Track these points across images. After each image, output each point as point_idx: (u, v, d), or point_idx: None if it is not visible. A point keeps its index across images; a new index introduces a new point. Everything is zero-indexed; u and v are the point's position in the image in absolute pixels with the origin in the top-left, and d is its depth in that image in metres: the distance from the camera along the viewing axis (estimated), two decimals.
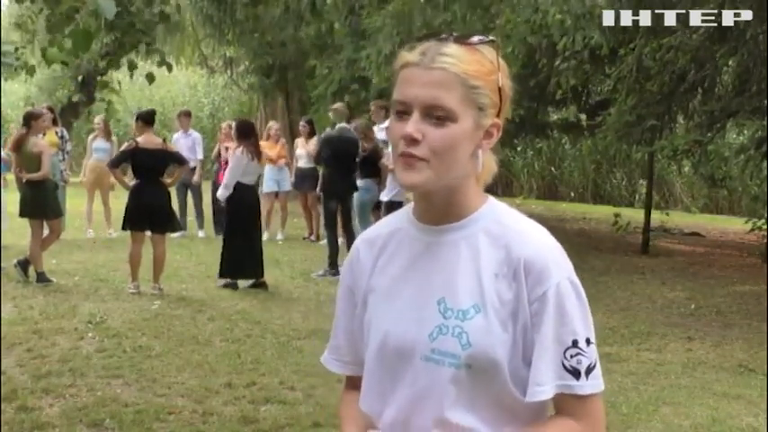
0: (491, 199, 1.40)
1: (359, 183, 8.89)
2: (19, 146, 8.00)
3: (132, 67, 6.08)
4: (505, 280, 1.32)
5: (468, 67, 1.28)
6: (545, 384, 1.30)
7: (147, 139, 7.73)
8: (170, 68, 6.79)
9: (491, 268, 1.33)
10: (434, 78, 1.27)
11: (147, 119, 7.91)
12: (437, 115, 1.28)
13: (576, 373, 1.31)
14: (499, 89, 1.33)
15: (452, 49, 1.29)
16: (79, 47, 4.31)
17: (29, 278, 7.88)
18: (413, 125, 1.28)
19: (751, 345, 6.30)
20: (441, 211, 1.36)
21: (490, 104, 1.32)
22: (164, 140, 8.16)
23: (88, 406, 4.61)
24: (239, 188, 7.83)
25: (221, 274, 7.95)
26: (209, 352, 5.79)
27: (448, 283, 1.34)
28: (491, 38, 1.34)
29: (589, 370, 1.32)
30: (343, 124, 8.94)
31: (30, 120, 8.04)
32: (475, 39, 1.33)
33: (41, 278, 7.86)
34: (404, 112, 1.30)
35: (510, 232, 1.35)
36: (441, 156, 1.28)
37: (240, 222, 7.87)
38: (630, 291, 8.38)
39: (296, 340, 6.15)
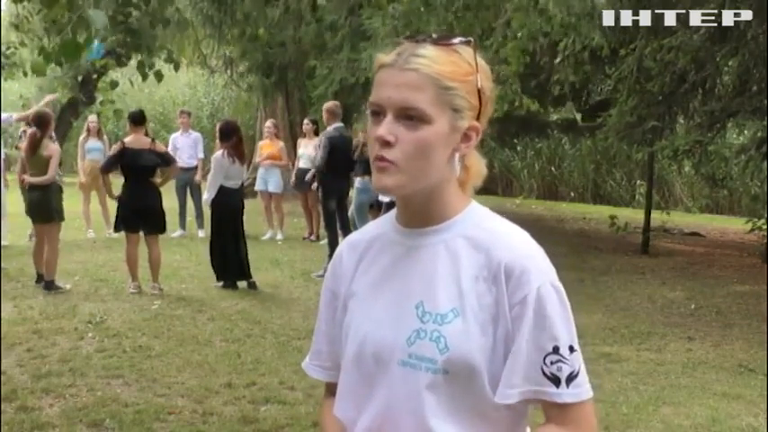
0: (473, 203, 1.38)
1: (357, 182, 8.88)
2: (35, 149, 7.71)
3: (142, 66, 5.98)
4: (485, 283, 1.29)
5: (442, 68, 1.26)
6: (514, 388, 1.27)
7: (135, 139, 7.71)
8: (177, 67, 6.67)
9: (471, 272, 1.30)
10: (407, 80, 1.25)
11: (135, 119, 7.85)
12: (410, 117, 1.25)
13: (555, 381, 1.27)
14: (478, 91, 1.30)
15: (427, 50, 1.27)
16: (69, 57, 4.28)
17: (62, 288, 7.67)
18: (385, 127, 1.26)
19: (751, 345, 6.30)
20: (420, 214, 1.34)
21: (467, 106, 1.29)
22: (152, 140, 7.98)
23: (88, 406, 4.61)
24: (222, 191, 7.81)
25: (218, 277, 7.99)
26: (209, 352, 5.79)
27: (426, 288, 1.32)
28: (469, 38, 1.32)
29: (571, 378, 1.28)
30: (340, 124, 8.92)
31: (46, 122, 7.81)
32: (453, 39, 1.30)
33: (41, 279, 7.84)
34: (378, 114, 1.28)
35: (490, 236, 1.32)
36: (413, 159, 1.26)
37: (223, 226, 7.86)
38: (630, 291, 8.38)
39: (296, 340, 6.15)
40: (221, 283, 7.97)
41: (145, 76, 5.83)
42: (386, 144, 1.26)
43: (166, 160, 7.98)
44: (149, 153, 7.66)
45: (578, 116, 13.26)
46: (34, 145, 7.73)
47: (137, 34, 5.26)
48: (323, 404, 1.53)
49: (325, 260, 8.72)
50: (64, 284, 7.73)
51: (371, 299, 1.38)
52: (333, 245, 8.65)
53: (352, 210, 9.18)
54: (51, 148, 7.84)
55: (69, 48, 4.13)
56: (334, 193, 8.72)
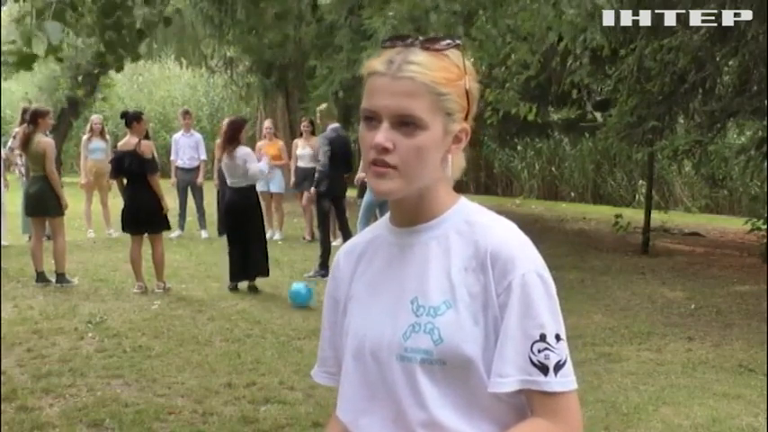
0: (462, 199, 1.41)
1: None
2: (27, 144, 7.88)
3: (120, 68, 5.97)
4: (474, 273, 1.31)
5: (435, 75, 1.28)
6: (508, 376, 1.28)
7: (125, 141, 7.78)
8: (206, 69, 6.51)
9: (460, 264, 1.33)
10: (402, 88, 1.27)
11: (124, 121, 7.92)
12: (406, 123, 1.28)
13: (543, 369, 1.28)
14: (467, 93, 1.33)
15: (419, 56, 1.29)
16: (21, 67, 4.27)
17: (72, 282, 7.84)
18: (383, 135, 1.28)
19: (751, 345, 6.29)
20: (412, 213, 1.37)
21: (458, 109, 1.32)
22: (139, 141, 7.65)
23: (88, 406, 4.61)
24: (231, 190, 7.83)
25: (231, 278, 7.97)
26: (210, 352, 5.79)
27: (420, 283, 1.34)
28: (457, 41, 1.34)
29: (558, 367, 1.29)
30: (336, 124, 8.89)
31: (36, 117, 7.91)
32: (441, 43, 1.32)
33: (41, 278, 7.85)
34: (373, 121, 1.30)
35: (479, 228, 1.35)
36: (411, 164, 1.29)
37: (232, 226, 7.86)
38: (630, 291, 8.37)
39: (296, 340, 6.15)
40: (227, 284, 7.94)
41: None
42: (384, 150, 1.29)
43: (145, 167, 7.62)
44: (132, 155, 7.60)
45: (598, 116, 12.89)
46: (26, 140, 7.89)
47: (123, 39, 5.24)
48: (333, 413, 1.53)
49: (316, 260, 8.68)
50: (71, 278, 7.86)
51: (369, 300, 1.40)
52: (324, 245, 8.61)
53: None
54: (45, 141, 7.89)
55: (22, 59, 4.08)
56: (328, 194, 8.66)
